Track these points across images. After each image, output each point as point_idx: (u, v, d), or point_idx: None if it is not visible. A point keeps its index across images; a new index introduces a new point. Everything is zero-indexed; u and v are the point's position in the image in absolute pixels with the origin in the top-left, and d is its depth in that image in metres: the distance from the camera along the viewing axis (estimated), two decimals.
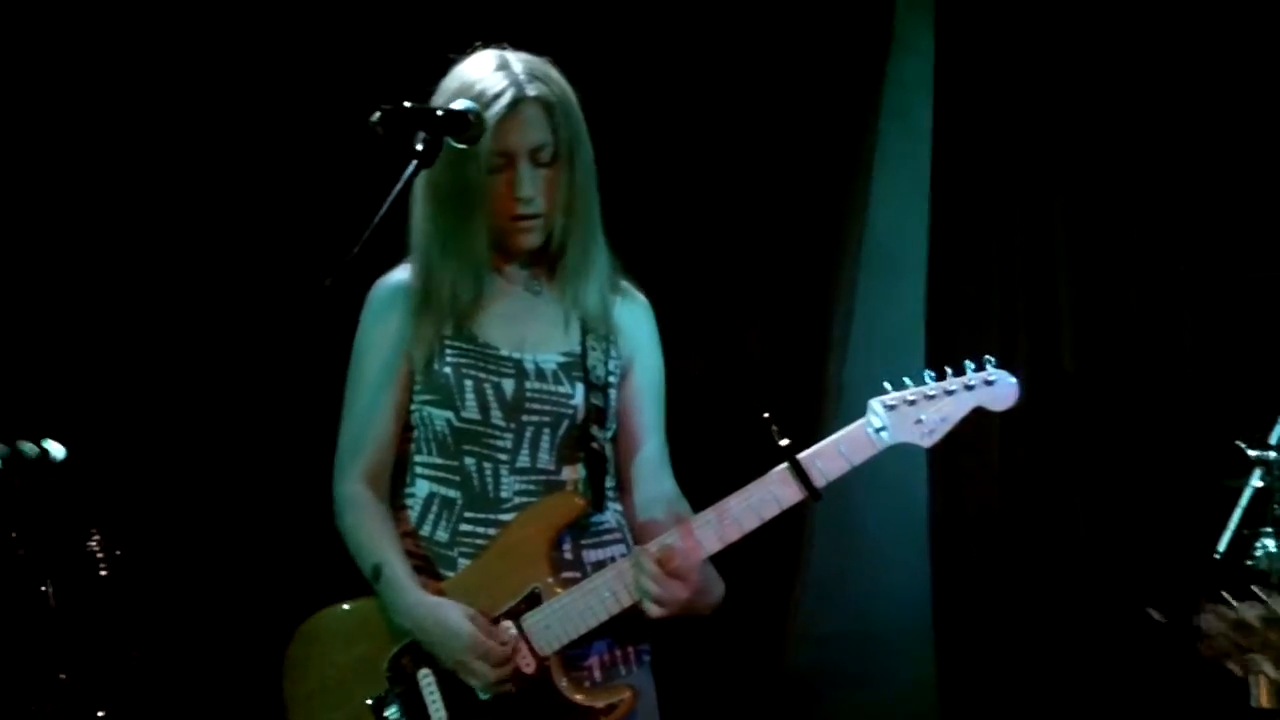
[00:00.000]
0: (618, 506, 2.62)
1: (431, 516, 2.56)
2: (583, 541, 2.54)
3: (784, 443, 2.40)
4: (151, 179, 3.64)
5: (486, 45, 2.54)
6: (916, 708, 3.75)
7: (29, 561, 3.02)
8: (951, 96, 3.66)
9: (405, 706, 2.48)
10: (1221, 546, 3.00)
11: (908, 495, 3.68)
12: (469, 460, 2.53)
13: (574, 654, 2.51)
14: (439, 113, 2.35)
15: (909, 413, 2.43)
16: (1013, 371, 2.46)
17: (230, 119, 3.63)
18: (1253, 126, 3.50)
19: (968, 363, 2.46)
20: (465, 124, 2.36)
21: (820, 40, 3.72)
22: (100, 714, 3.00)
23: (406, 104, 2.33)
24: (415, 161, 2.31)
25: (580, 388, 2.53)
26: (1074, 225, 3.65)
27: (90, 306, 3.59)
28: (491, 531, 2.52)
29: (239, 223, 3.64)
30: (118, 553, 3.16)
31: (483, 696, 2.47)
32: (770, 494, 2.42)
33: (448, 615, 2.45)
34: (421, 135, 2.32)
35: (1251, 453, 3.02)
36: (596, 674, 2.53)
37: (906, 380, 2.45)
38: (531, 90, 2.48)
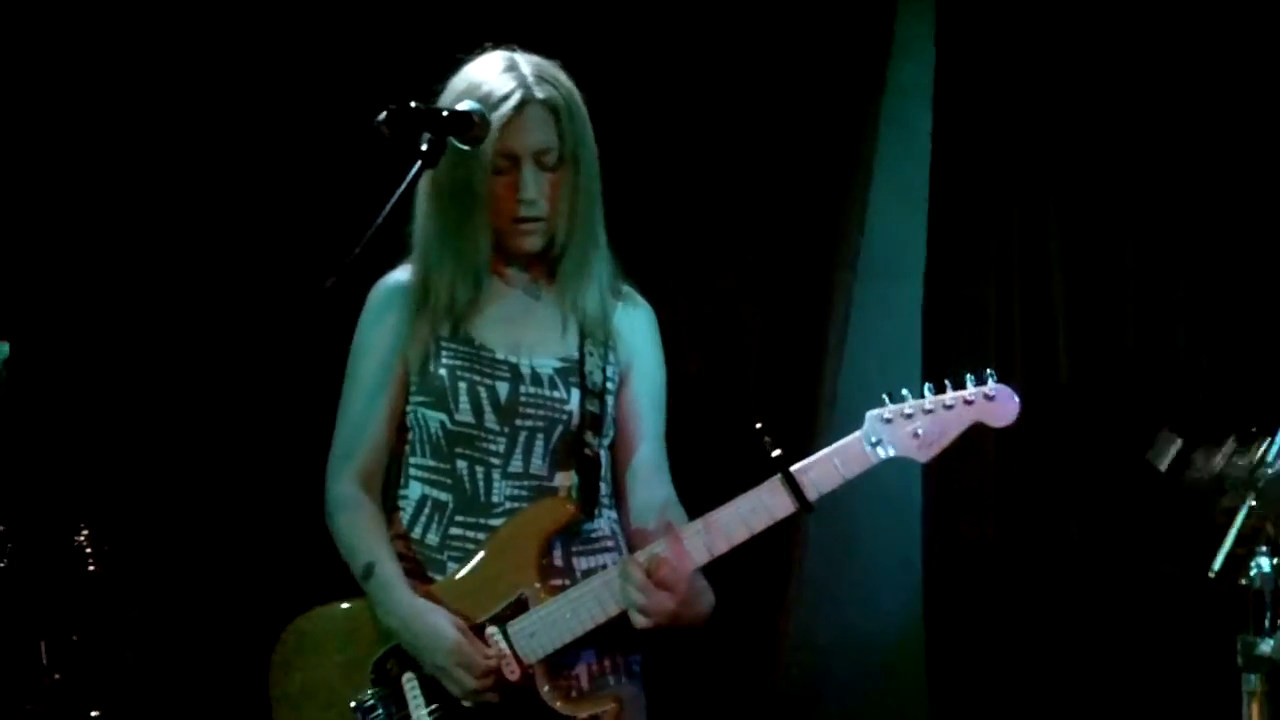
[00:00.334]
0: (613, 514, 2.59)
1: (423, 519, 2.54)
2: (574, 548, 2.52)
3: (776, 453, 2.37)
4: (154, 176, 3.61)
5: (495, 46, 2.53)
6: None
7: (16, 558, 3.01)
8: (951, 104, 3.63)
9: (389, 709, 2.47)
10: (1216, 565, 3.01)
11: (902, 507, 3.64)
12: (461, 463, 2.51)
13: (561, 662, 2.48)
14: (444, 113, 2.35)
15: (906, 426, 2.39)
16: (1008, 381, 2.41)
17: (235, 119, 3.60)
18: (1249, 139, 3.47)
19: (968, 376, 2.42)
20: (470, 125, 2.35)
21: (820, 46, 3.68)
22: (95, 714, 3.00)
23: (412, 104, 2.32)
24: (419, 162, 2.30)
25: (576, 393, 2.51)
26: (1071, 235, 3.63)
27: (87, 303, 3.58)
28: (481, 536, 2.50)
29: (241, 221, 3.61)
30: (106, 548, 3.16)
31: (465, 702, 2.45)
32: (761, 505, 2.39)
33: (435, 620, 2.43)
34: (426, 136, 2.31)
35: None
36: (584, 683, 2.51)
37: (904, 393, 2.41)
38: (539, 93, 2.47)
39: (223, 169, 3.61)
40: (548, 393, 2.52)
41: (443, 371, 2.51)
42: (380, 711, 2.47)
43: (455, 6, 3.46)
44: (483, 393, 2.50)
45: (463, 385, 2.50)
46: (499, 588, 2.46)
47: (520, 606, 2.45)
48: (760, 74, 3.72)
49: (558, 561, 2.51)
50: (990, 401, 2.41)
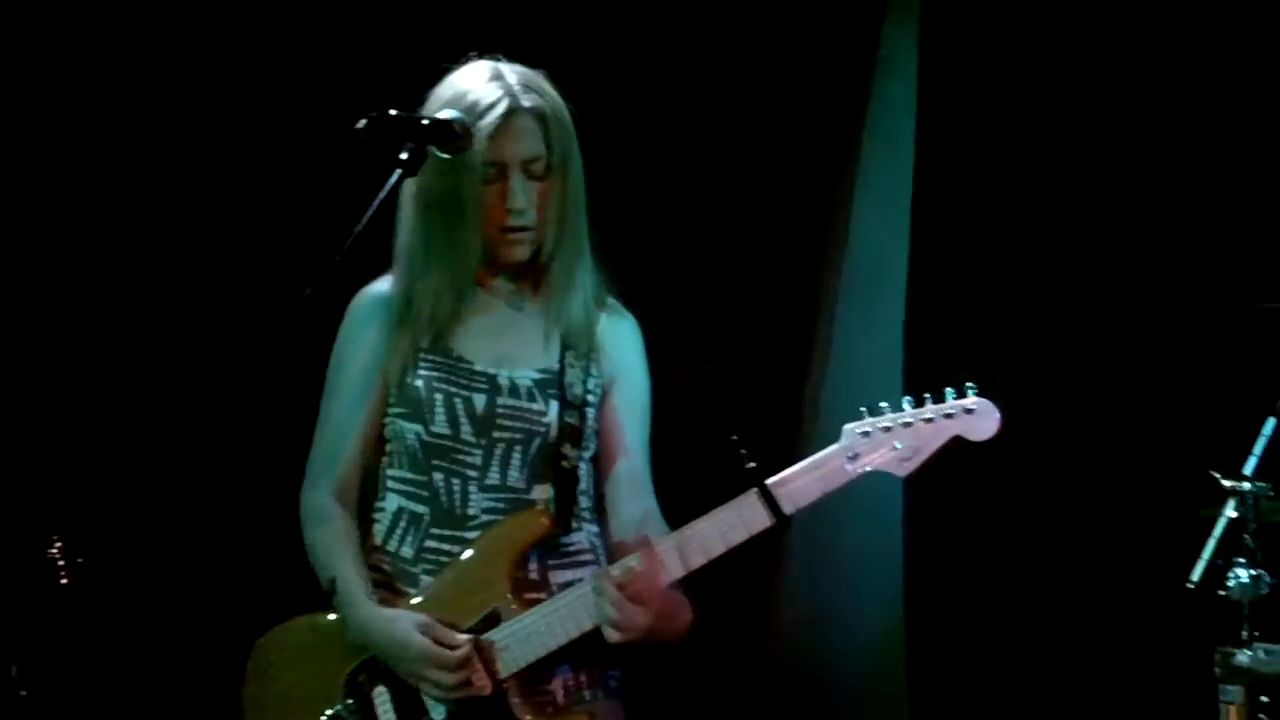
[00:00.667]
0: (594, 527, 2.55)
1: (399, 532, 2.51)
2: (550, 562, 2.48)
3: (750, 466, 2.34)
4: (130, 185, 3.60)
5: (481, 55, 2.51)
6: None
7: None
8: (935, 119, 3.63)
9: None
10: (1195, 576, 3.02)
11: (882, 520, 3.64)
12: (438, 475, 2.48)
13: (536, 677, 2.44)
14: (425, 122, 2.32)
15: (885, 440, 2.36)
16: (989, 397, 2.38)
17: (215, 126, 3.59)
18: (1230, 158, 3.49)
19: (949, 390, 2.38)
20: (452, 134, 2.33)
21: (805, 61, 3.68)
22: None
23: (392, 112, 2.30)
24: (399, 170, 2.27)
25: (554, 405, 2.48)
26: (1053, 251, 3.64)
27: (58, 314, 3.56)
28: (457, 549, 2.46)
29: (220, 229, 3.60)
30: (79, 560, 3.14)
31: (436, 717, 2.42)
32: (738, 519, 2.36)
33: (397, 628, 2.40)
34: (407, 144, 2.28)
35: (1226, 483, 3.02)
36: (560, 698, 2.47)
37: (884, 406, 2.38)
38: (526, 101, 2.45)
39: (202, 178, 3.60)
40: (525, 404, 2.49)
41: (419, 383, 2.48)
42: None
43: (440, 16, 3.47)
44: (459, 404, 2.47)
45: (439, 396, 2.48)
46: (472, 602, 2.43)
47: (493, 621, 2.42)
48: (746, 88, 3.72)
49: (534, 575, 2.47)
50: (970, 415, 2.37)
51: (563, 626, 2.40)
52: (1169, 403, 3.55)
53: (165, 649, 3.44)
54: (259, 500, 3.06)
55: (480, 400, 2.49)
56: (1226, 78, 3.50)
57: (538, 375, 2.51)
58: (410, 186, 2.43)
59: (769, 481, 2.36)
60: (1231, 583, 2.97)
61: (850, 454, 2.37)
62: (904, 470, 2.38)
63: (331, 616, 2.50)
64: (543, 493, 2.49)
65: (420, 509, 2.50)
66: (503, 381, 2.50)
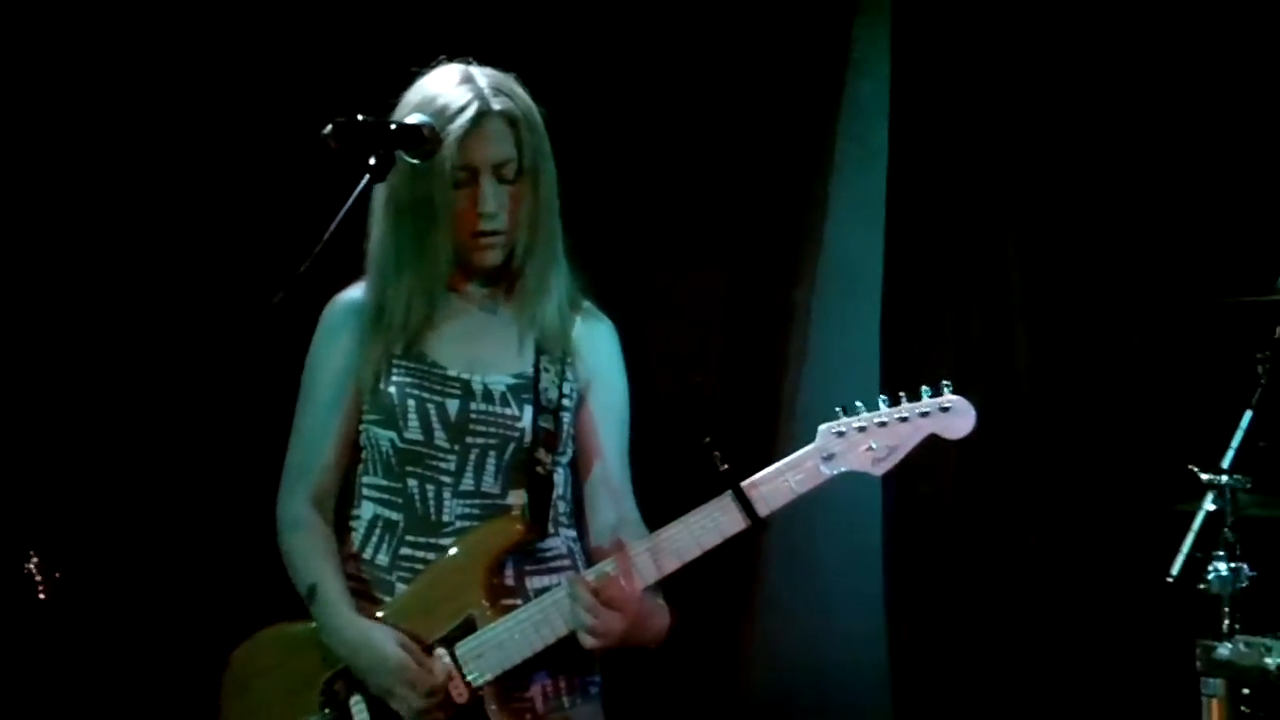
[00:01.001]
0: (571, 532, 2.53)
1: (374, 539, 2.48)
2: (526, 567, 2.45)
3: (724, 469, 2.31)
4: (102, 194, 3.55)
5: (451, 59, 2.49)
6: None
7: None
8: (907, 120, 3.61)
9: None
10: (1175, 570, 3.01)
11: (862, 522, 3.61)
12: (412, 482, 2.45)
13: (514, 684, 2.41)
14: (393, 127, 2.29)
15: (859, 440, 2.34)
16: (967, 396, 2.35)
17: (182, 134, 3.54)
18: (1204, 152, 3.47)
19: (924, 388, 2.36)
20: (420, 139, 2.29)
21: (777, 63, 3.66)
22: None
23: (360, 117, 2.26)
24: (367, 176, 2.23)
25: (529, 410, 2.45)
26: (1028, 249, 3.62)
27: (34, 321, 3.52)
28: (432, 556, 2.43)
29: (189, 238, 3.56)
30: (57, 575, 3.10)
31: None
32: (712, 523, 2.34)
33: (377, 640, 2.38)
34: (375, 149, 2.24)
35: (1204, 477, 3.01)
36: (539, 705, 2.44)
37: (859, 405, 2.36)
38: (496, 104, 2.42)
39: (171, 187, 3.56)
40: (499, 410, 2.46)
41: (392, 389, 2.46)
42: None
43: (411, 19, 3.45)
44: (432, 410, 2.45)
45: (411, 402, 2.45)
46: (447, 609, 2.40)
47: (468, 627, 2.39)
48: (718, 91, 3.70)
49: (509, 581, 2.44)
50: (945, 413, 2.36)
51: (538, 633, 2.37)
52: (1146, 398, 3.54)
53: (140, 660, 3.41)
54: (234, 509, 3.03)
55: (453, 406, 2.46)
56: (1201, 75, 3.50)
57: (512, 380, 2.48)
58: (381, 192, 2.41)
59: (743, 484, 2.34)
60: (1211, 576, 2.97)
61: (825, 454, 2.35)
62: (880, 470, 2.35)
63: (307, 625, 2.47)
64: (518, 498, 2.46)
65: (395, 516, 2.48)
66: (476, 387, 2.47)
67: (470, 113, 2.40)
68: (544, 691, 2.45)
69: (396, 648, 2.38)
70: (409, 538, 2.46)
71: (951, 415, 2.36)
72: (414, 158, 2.33)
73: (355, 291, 2.54)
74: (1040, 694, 3.53)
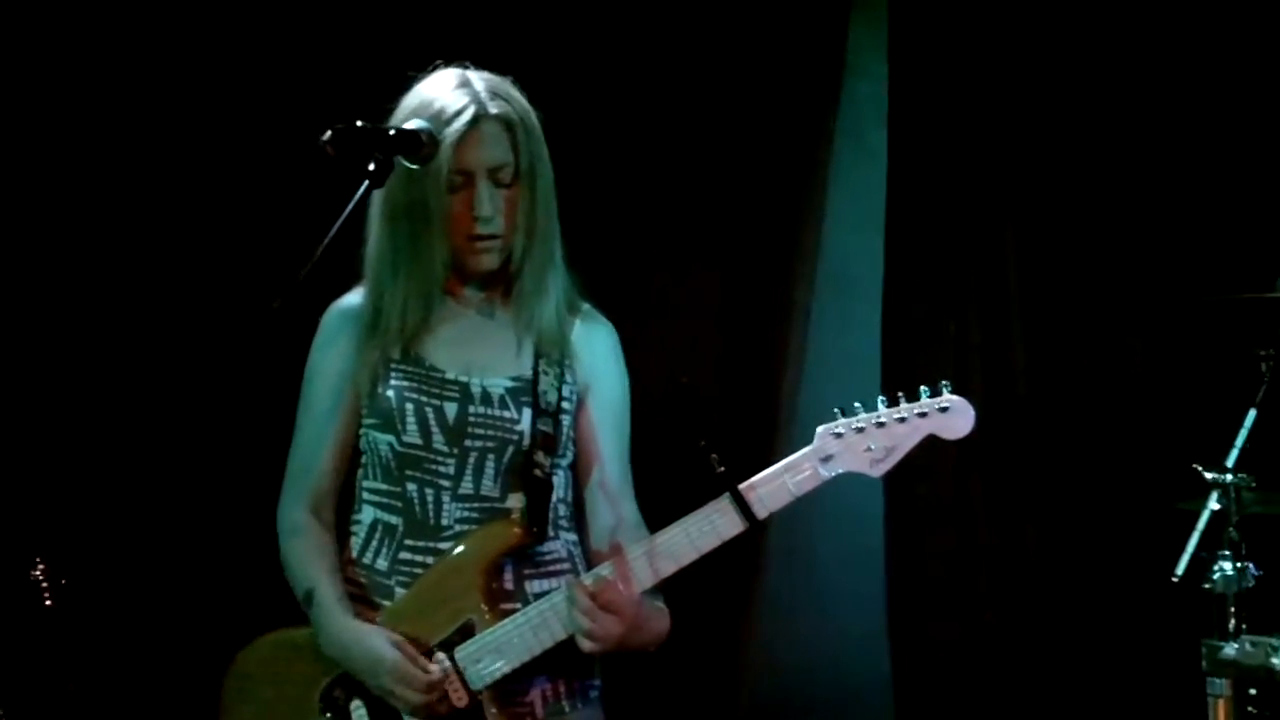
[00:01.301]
0: (572, 535, 2.51)
1: (374, 544, 2.47)
2: (525, 571, 2.43)
3: (721, 470, 2.29)
4: (102, 200, 3.55)
5: (447, 64, 2.48)
6: None
7: None
8: (905, 119, 3.60)
9: None
10: (1179, 569, 3.00)
11: (862, 523, 3.61)
12: (411, 486, 2.44)
13: (513, 688, 2.39)
14: (391, 132, 2.27)
15: (857, 441, 2.31)
16: (967, 396, 2.33)
17: (179, 140, 3.54)
18: (1205, 150, 3.46)
19: (923, 389, 2.33)
20: (418, 144, 2.28)
21: (774, 63, 3.66)
22: None
23: (358, 123, 2.25)
24: (366, 182, 2.22)
25: (528, 413, 2.43)
26: (1027, 249, 3.61)
27: (34, 326, 3.53)
28: (431, 560, 2.42)
29: (188, 245, 3.55)
30: (63, 582, 3.11)
31: None
32: (710, 525, 2.32)
33: (372, 642, 2.37)
34: (374, 155, 2.23)
35: (1208, 475, 3.01)
36: (538, 709, 2.42)
37: (857, 406, 2.34)
38: (493, 108, 2.41)
39: (170, 193, 3.55)
40: (498, 413, 2.44)
41: (390, 393, 2.45)
42: None
43: (408, 25, 3.44)
44: (430, 413, 2.43)
45: (410, 406, 2.44)
46: (445, 613, 2.39)
47: (467, 631, 2.38)
48: (715, 92, 3.69)
49: (508, 585, 2.43)
50: (944, 413, 2.33)
51: (536, 637, 2.35)
52: (1148, 397, 3.53)
53: (140, 667, 3.40)
54: (235, 514, 3.03)
55: (452, 409, 2.45)
56: (1199, 74, 3.49)
57: (510, 383, 2.47)
58: (377, 197, 2.39)
59: (741, 486, 2.32)
60: (1216, 575, 2.96)
61: (823, 456, 2.33)
62: (878, 471, 2.33)
63: (306, 631, 2.46)
64: (517, 501, 2.45)
65: (394, 520, 2.46)
66: (474, 390, 2.46)
67: (466, 116, 2.39)
68: (543, 695, 2.44)
69: (391, 648, 2.36)
70: (408, 542, 2.45)
71: (950, 415, 2.33)
72: (412, 163, 2.32)
73: (353, 297, 2.53)
74: (1044, 694, 3.52)
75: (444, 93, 2.42)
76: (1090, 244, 3.60)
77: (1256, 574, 2.95)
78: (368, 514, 2.50)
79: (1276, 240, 3.31)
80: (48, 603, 3.04)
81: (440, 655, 2.38)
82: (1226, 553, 2.96)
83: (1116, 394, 3.55)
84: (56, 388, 3.51)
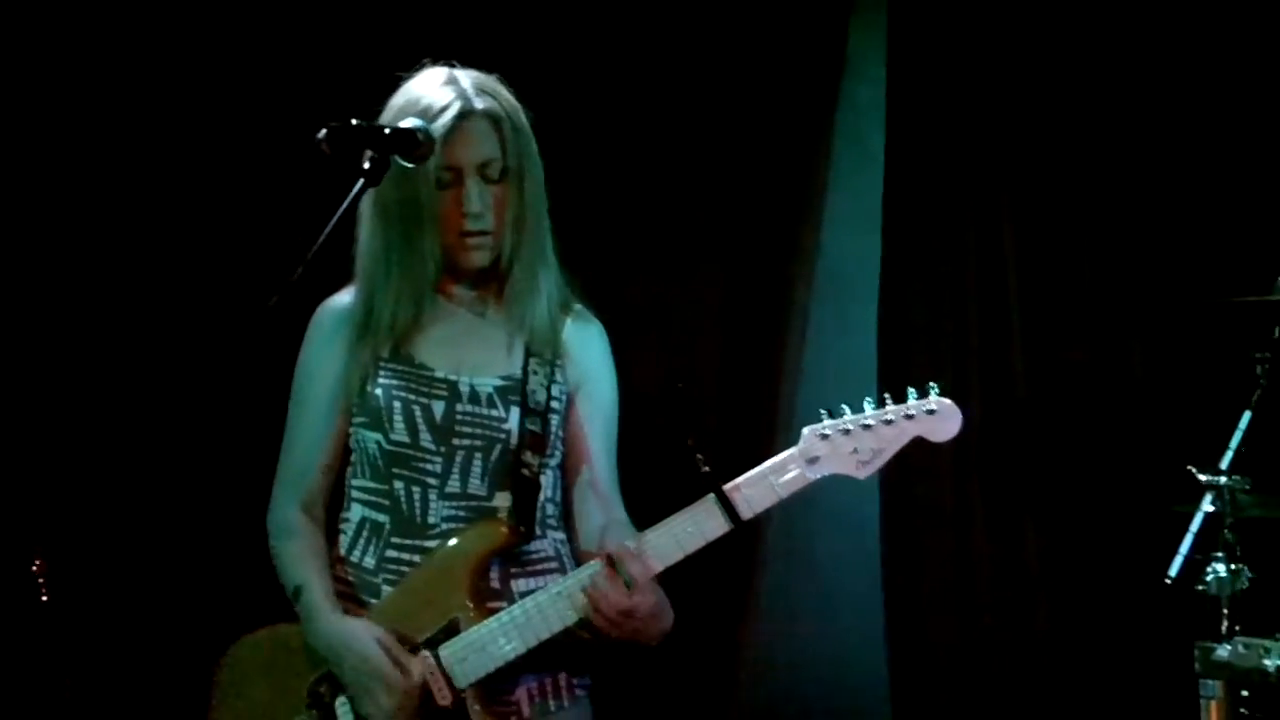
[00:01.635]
0: (560, 535, 2.50)
1: (361, 542, 2.47)
2: (512, 570, 2.43)
3: (706, 470, 2.28)
4: (93, 196, 3.54)
5: (435, 63, 2.48)
6: None
7: None
8: (904, 122, 3.59)
9: None
10: (1173, 571, 3.00)
11: (860, 525, 3.59)
12: (398, 484, 2.44)
13: (500, 686, 2.39)
14: (386, 131, 2.27)
15: (844, 443, 2.29)
16: (965, 399, 2.33)
17: (172, 138, 3.53)
18: (1201, 152, 3.44)
19: (911, 390, 2.32)
20: (414, 143, 2.27)
21: (773, 65, 3.64)
22: None
23: (354, 121, 2.25)
24: (362, 180, 2.22)
25: (515, 412, 2.43)
26: (1026, 252, 3.59)
27: (25, 324, 3.53)
28: (418, 558, 2.42)
29: (182, 243, 3.54)
30: (58, 578, 3.12)
31: None
32: (695, 525, 2.30)
33: (357, 638, 2.36)
34: (368, 153, 2.25)
35: (1202, 478, 2.99)
36: (525, 708, 2.42)
37: (844, 408, 2.32)
38: (480, 104, 2.40)
39: (164, 191, 3.54)
40: (485, 411, 2.44)
41: (379, 391, 2.45)
42: None
43: (402, 25, 3.46)
44: (418, 411, 2.43)
45: (398, 404, 2.43)
46: (431, 612, 2.38)
47: (452, 630, 2.37)
48: (714, 93, 3.68)
49: (495, 584, 2.42)
50: (931, 416, 2.31)
51: (521, 636, 2.35)
52: (1144, 399, 3.52)
53: (132, 661, 3.41)
54: (227, 512, 3.04)
55: (439, 407, 2.44)
56: (1198, 75, 3.48)
57: (500, 382, 2.46)
58: (368, 196, 2.39)
59: (726, 486, 2.31)
60: (1209, 577, 2.96)
61: (809, 457, 2.31)
62: (864, 473, 2.31)
63: (297, 627, 2.46)
64: (504, 500, 2.44)
65: (382, 518, 2.46)
66: (463, 388, 2.45)
67: (453, 112, 2.38)
68: (529, 694, 2.43)
69: (376, 648, 2.35)
70: (395, 540, 2.45)
71: (937, 418, 2.31)
72: (408, 162, 2.30)
73: (344, 297, 2.53)
74: (1039, 696, 3.51)
75: (431, 90, 2.42)
76: (1089, 247, 3.59)
77: (1251, 576, 2.96)
78: (356, 512, 2.50)
79: (1273, 244, 3.31)
80: (44, 598, 3.05)
81: (425, 653, 2.38)
82: (1220, 555, 2.97)
83: (1113, 397, 3.54)
84: (51, 383, 3.52)
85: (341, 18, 3.58)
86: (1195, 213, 3.48)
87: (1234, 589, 2.95)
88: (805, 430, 2.32)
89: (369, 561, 2.47)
